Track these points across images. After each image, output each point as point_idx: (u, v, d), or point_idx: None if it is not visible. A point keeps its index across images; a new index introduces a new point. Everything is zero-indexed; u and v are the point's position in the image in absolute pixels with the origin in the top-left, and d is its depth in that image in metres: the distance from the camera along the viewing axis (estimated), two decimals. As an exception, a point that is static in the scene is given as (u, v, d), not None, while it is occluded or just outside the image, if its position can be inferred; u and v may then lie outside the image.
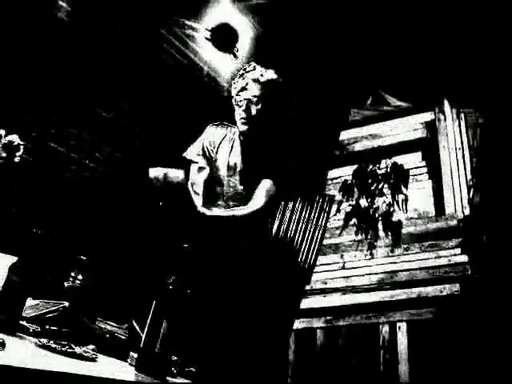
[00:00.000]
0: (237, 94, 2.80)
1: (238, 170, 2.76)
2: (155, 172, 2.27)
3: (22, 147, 4.24)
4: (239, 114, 2.76)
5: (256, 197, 2.61)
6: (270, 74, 2.78)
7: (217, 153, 2.88)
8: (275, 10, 6.05)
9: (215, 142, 2.93)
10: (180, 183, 2.25)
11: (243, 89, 2.76)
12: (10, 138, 4.20)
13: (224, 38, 6.22)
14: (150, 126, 6.01)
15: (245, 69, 2.82)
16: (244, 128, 2.74)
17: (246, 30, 6.35)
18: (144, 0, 5.81)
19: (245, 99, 2.73)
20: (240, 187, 2.69)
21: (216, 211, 2.56)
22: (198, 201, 2.67)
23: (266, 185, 2.64)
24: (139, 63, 5.94)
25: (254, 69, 2.80)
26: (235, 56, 6.31)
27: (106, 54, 5.65)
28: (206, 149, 2.96)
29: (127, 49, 5.81)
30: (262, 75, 2.75)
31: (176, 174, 2.27)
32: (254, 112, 2.71)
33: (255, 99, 2.69)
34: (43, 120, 5.15)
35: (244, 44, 6.43)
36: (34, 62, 5.09)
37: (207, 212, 2.50)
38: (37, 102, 5.11)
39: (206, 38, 6.21)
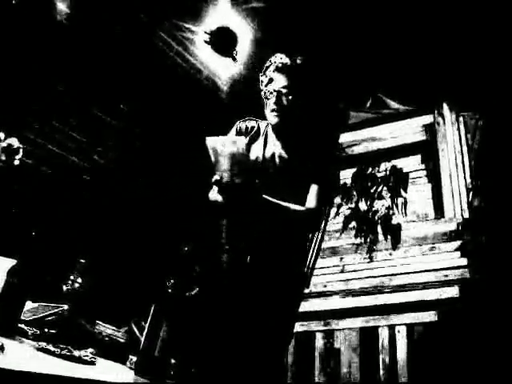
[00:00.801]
0: (265, 87, 2.70)
1: (275, 161, 2.68)
2: (212, 142, 2.17)
3: (21, 150, 4.24)
4: (269, 106, 2.65)
5: (310, 200, 2.56)
6: (296, 62, 2.68)
7: (249, 147, 2.77)
8: (274, 13, 6.05)
9: (245, 137, 2.81)
10: (238, 152, 2.14)
11: (271, 80, 2.67)
12: (9, 140, 4.19)
13: (222, 41, 6.22)
14: (149, 128, 6.01)
15: (271, 60, 2.71)
16: (275, 120, 2.64)
17: (244, 33, 6.35)
18: (143, 3, 5.80)
19: (274, 91, 2.62)
20: (279, 179, 2.61)
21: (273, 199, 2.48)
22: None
23: (317, 189, 2.58)
24: (138, 65, 5.94)
25: (281, 59, 2.67)
26: (234, 59, 6.31)
27: (104, 56, 5.65)
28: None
29: (126, 51, 5.82)
30: (287, 64, 2.65)
31: (234, 142, 2.16)
32: (284, 103, 2.62)
33: (284, 90, 2.60)
34: (42, 123, 5.15)
35: (243, 46, 6.43)
36: (34, 65, 5.09)
37: (268, 197, 2.42)
38: (36, 104, 5.11)
39: (205, 41, 6.21)
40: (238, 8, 6.08)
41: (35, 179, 4.93)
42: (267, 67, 2.71)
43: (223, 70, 6.69)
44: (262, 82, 2.74)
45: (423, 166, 6.02)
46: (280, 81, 2.62)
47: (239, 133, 2.83)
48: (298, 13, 5.89)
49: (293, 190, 2.55)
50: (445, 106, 6.11)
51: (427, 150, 6.12)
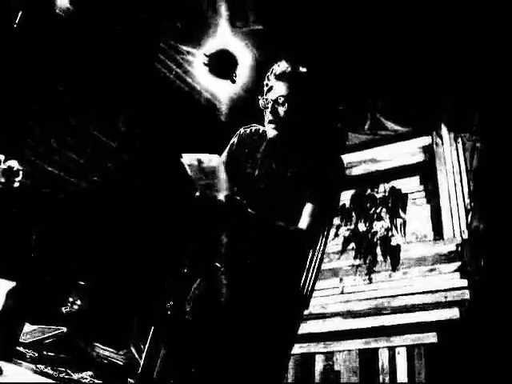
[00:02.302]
0: (264, 95, 2.52)
1: (272, 176, 2.52)
2: (189, 159, 2.13)
3: (21, 172, 4.25)
4: (267, 117, 2.49)
5: (302, 220, 2.40)
6: (298, 70, 2.51)
7: (248, 154, 2.62)
8: (272, 36, 6.09)
9: (246, 144, 2.65)
10: (215, 169, 2.10)
11: (270, 89, 2.50)
12: (9, 163, 4.20)
13: (222, 63, 6.26)
14: (147, 149, 6.03)
15: (272, 68, 2.53)
16: (273, 133, 2.48)
17: (244, 55, 6.38)
18: (143, 26, 5.84)
19: (272, 100, 2.46)
20: (274, 196, 2.48)
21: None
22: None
23: (311, 209, 2.42)
24: (137, 87, 5.97)
25: (282, 66, 2.50)
26: (233, 81, 6.35)
27: (103, 77, 5.68)
28: (235, 152, 2.70)
29: (126, 73, 5.85)
30: (288, 71, 2.48)
31: (210, 159, 2.12)
32: (281, 113, 2.45)
33: (282, 98, 2.44)
34: (41, 144, 5.16)
35: (243, 69, 6.46)
36: (32, 87, 5.12)
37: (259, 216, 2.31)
38: (35, 126, 5.12)
39: (204, 64, 6.25)
40: (237, 31, 6.12)
41: (35, 201, 4.93)
42: (268, 75, 2.56)
43: (223, 92, 6.73)
44: (262, 91, 2.58)
45: (422, 187, 6.02)
46: (279, 89, 2.47)
47: (241, 141, 2.70)
48: (295, 35, 5.93)
49: (289, 208, 2.44)
50: (443, 127, 6.13)
51: (426, 171, 6.12)
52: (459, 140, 5.98)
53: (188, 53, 6.29)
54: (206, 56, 6.28)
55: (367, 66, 6.10)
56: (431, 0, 5.39)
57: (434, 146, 6.14)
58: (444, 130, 6.11)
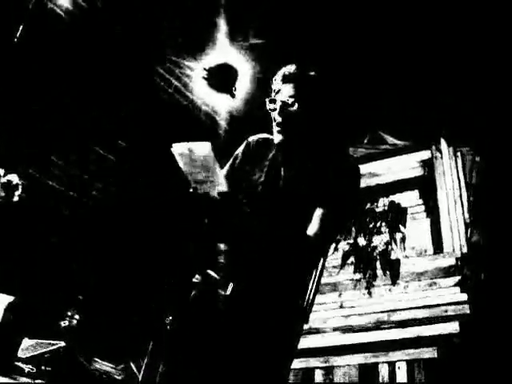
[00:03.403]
0: (271, 99, 2.42)
1: (279, 184, 2.39)
2: (180, 148, 2.00)
3: (20, 186, 4.26)
4: (274, 121, 2.39)
5: (311, 226, 2.21)
6: (306, 72, 2.43)
7: (255, 163, 2.52)
8: (272, 50, 6.12)
9: (253, 153, 2.55)
10: (207, 157, 1.96)
11: (277, 92, 2.41)
12: (9, 177, 4.21)
13: (221, 77, 6.28)
14: (146, 164, 6.03)
15: (280, 72, 2.41)
16: (280, 137, 2.37)
17: (244, 69, 6.41)
18: (142, 40, 5.87)
19: (279, 101, 2.36)
20: (282, 204, 2.32)
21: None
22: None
23: (321, 213, 2.23)
24: (136, 102, 5.98)
25: (289, 68, 2.41)
26: (233, 95, 6.37)
27: (103, 92, 5.70)
28: (239, 161, 2.60)
29: (125, 87, 5.86)
30: (295, 73, 2.39)
31: (202, 147, 1.98)
32: (288, 115, 2.36)
33: (290, 99, 2.34)
34: (42, 159, 5.17)
35: (242, 82, 6.49)
36: (32, 101, 5.13)
37: (256, 218, 2.20)
38: (36, 141, 5.13)
39: (204, 78, 6.27)
40: (236, 45, 6.15)
41: (34, 215, 4.93)
42: (275, 79, 2.46)
43: (222, 106, 6.75)
44: (269, 95, 2.46)
45: (421, 201, 6.03)
46: (287, 91, 2.37)
47: (248, 151, 2.60)
48: (295, 49, 5.95)
49: (298, 215, 2.26)
50: (442, 141, 6.14)
51: (425, 185, 6.13)
52: (458, 154, 6.00)
53: (187, 66, 6.31)
54: (206, 70, 6.31)
55: (366, 80, 6.12)
56: (432, 13, 5.41)
57: (434, 160, 6.15)
58: (443, 144, 6.13)
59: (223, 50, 6.17)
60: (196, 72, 6.37)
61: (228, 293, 2.17)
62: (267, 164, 2.47)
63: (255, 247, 2.21)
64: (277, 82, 2.41)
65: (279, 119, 2.35)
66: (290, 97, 2.34)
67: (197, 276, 2.33)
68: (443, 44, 5.59)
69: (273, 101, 2.36)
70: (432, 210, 5.89)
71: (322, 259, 2.51)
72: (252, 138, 2.65)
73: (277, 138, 2.39)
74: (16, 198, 4.27)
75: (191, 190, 2.06)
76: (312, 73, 2.41)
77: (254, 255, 2.22)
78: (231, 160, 2.60)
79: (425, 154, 6.31)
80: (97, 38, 5.57)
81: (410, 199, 6.11)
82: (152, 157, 5.98)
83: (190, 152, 2.00)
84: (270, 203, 2.31)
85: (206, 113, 6.74)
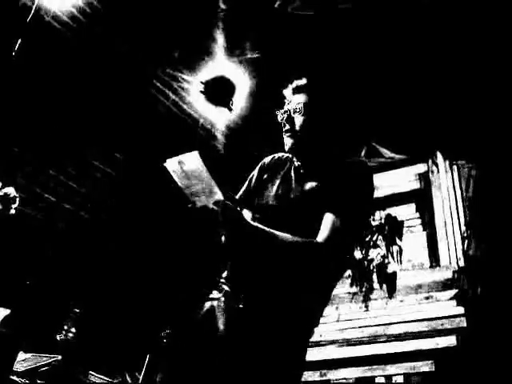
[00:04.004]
0: (281, 110, 2.43)
1: (291, 194, 2.33)
2: (171, 163, 1.96)
3: (17, 199, 4.26)
4: (284, 128, 2.39)
5: (321, 232, 2.10)
6: (314, 82, 2.44)
7: (268, 179, 2.49)
8: (269, 64, 6.14)
9: (267, 171, 2.53)
10: (197, 167, 1.91)
11: (287, 103, 2.43)
12: (6, 190, 4.22)
13: (218, 91, 6.30)
14: (144, 177, 6.04)
15: (289, 84, 2.49)
16: (290, 142, 2.36)
17: (240, 83, 6.43)
18: (139, 54, 5.89)
19: (289, 110, 2.39)
20: (294, 215, 2.23)
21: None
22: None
23: (333, 219, 2.13)
24: (134, 115, 6.00)
25: (298, 80, 2.42)
26: (230, 109, 6.39)
27: (100, 106, 5.72)
28: (254, 182, 2.56)
29: (123, 101, 5.88)
30: (305, 84, 2.41)
31: (190, 157, 1.93)
32: (297, 120, 2.36)
33: (299, 107, 2.36)
34: (39, 172, 5.18)
35: (239, 96, 6.51)
36: (30, 116, 5.15)
37: (257, 225, 2.06)
38: (33, 155, 5.14)
39: (201, 91, 6.29)
40: (233, 59, 6.17)
41: (31, 228, 4.93)
42: (285, 91, 2.47)
43: (219, 119, 6.77)
44: (281, 106, 2.46)
45: (418, 215, 6.05)
46: (296, 99, 2.40)
47: (263, 169, 2.58)
48: (292, 64, 5.98)
49: (310, 227, 2.15)
50: (438, 154, 6.16)
51: (422, 198, 6.15)
52: (455, 167, 6.01)
53: (185, 80, 6.33)
54: (203, 83, 6.33)
55: (363, 95, 6.14)
56: (428, 28, 5.45)
57: (430, 173, 6.17)
58: (440, 158, 6.15)
59: (220, 64, 6.19)
60: (193, 85, 6.39)
61: (241, 306, 2.13)
62: (279, 177, 2.46)
63: (265, 256, 2.14)
64: (287, 94, 2.42)
65: (288, 126, 2.36)
66: (299, 103, 2.36)
67: (214, 291, 2.28)
68: (439, 59, 5.63)
69: (283, 111, 2.39)
70: (428, 223, 5.90)
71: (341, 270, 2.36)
72: (265, 159, 2.64)
73: (287, 142, 2.39)
74: (13, 211, 4.27)
75: (190, 205, 2.02)
76: (320, 83, 2.43)
77: (265, 265, 2.16)
78: (246, 183, 2.59)
79: (421, 168, 6.33)
80: (94, 52, 5.60)
81: (406, 212, 6.12)
82: (149, 170, 5.99)
83: (181, 165, 1.98)
84: (282, 214, 2.26)
85: (203, 126, 6.76)
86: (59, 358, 3.46)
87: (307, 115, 2.36)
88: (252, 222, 2.09)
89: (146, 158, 6.03)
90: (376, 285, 5.63)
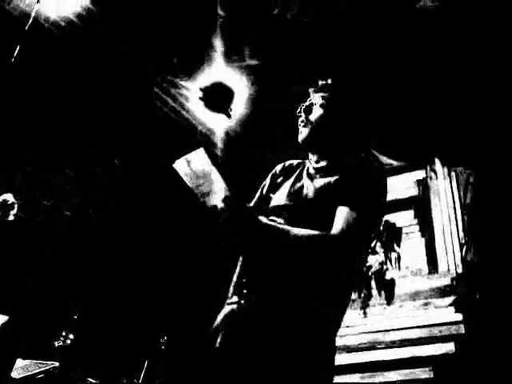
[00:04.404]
0: (301, 109, 2.40)
1: (303, 192, 2.26)
2: (179, 164, 1.93)
3: (16, 206, 4.26)
4: (299, 118, 2.37)
5: (335, 226, 2.03)
6: (334, 81, 2.43)
7: (279, 185, 2.44)
8: (269, 71, 6.16)
9: (277, 178, 2.47)
10: (204, 164, 1.87)
11: (308, 100, 2.42)
12: (4, 196, 4.22)
13: (217, 97, 6.30)
14: (143, 183, 6.05)
15: (311, 86, 2.48)
16: (303, 134, 2.34)
17: (240, 90, 6.44)
18: (138, 61, 5.90)
19: (306, 106, 2.38)
20: (307, 212, 2.17)
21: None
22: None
23: (347, 212, 2.05)
24: (132, 120, 6.01)
25: (319, 82, 2.42)
26: (229, 116, 6.39)
27: (100, 111, 5.72)
28: (266, 189, 2.51)
29: (121, 106, 5.89)
30: (323, 84, 2.41)
31: (196, 154, 1.90)
32: (314, 115, 2.34)
33: (319, 100, 2.35)
34: (37, 177, 5.18)
35: (238, 103, 6.51)
36: (29, 119, 5.15)
37: (266, 220, 2.04)
38: (31, 160, 5.15)
39: (199, 98, 6.29)
40: (233, 65, 6.18)
41: (28, 234, 4.93)
42: (309, 91, 2.45)
43: (218, 126, 6.77)
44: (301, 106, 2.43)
45: (416, 221, 6.04)
46: (318, 95, 2.39)
47: (275, 176, 2.53)
48: (290, 70, 5.99)
49: (324, 224, 2.06)
50: (437, 161, 6.17)
51: (420, 204, 6.15)
52: (453, 174, 6.02)
53: (183, 86, 6.34)
54: (202, 90, 6.34)
55: (360, 100, 6.14)
56: (425, 37, 5.47)
57: (428, 179, 6.18)
58: (438, 164, 6.15)
59: (219, 70, 6.20)
60: (192, 92, 6.39)
61: (260, 309, 2.07)
62: (292, 179, 2.40)
63: (279, 253, 2.07)
64: (311, 92, 2.42)
65: (303, 118, 2.35)
66: (319, 98, 2.36)
67: (230, 296, 2.23)
68: (437, 65, 5.64)
69: (303, 104, 2.37)
70: (427, 230, 5.90)
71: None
72: (277, 166, 2.60)
73: (300, 135, 2.37)
74: (11, 217, 4.27)
75: (201, 205, 1.98)
76: (338, 81, 2.42)
77: (280, 263, 2.08)
78: (259, 191, 2.55)
79: (419, 174, 6.33)
80: (94, 57, 5.61)
81: (404, 219, 6.12)
82: (147, 175, 6.00)
83: (189, 164, 1.96)
84: (295, 212, 2.20)
85: (202, 132, 6.77)
86: (57, 364, 3.45)
87: (325, 108, 2.34)
88: (263, 218, 2.05)
89: (145, 164, 6.04)
90: (374, 291, 5.63)
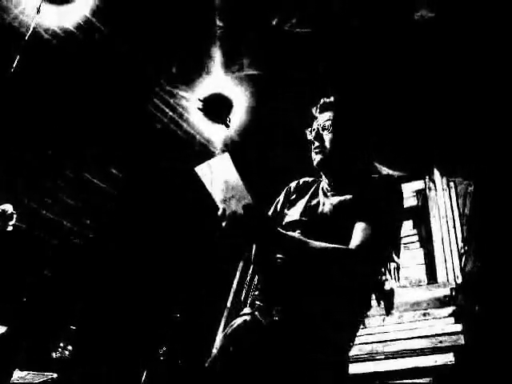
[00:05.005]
0: (310, 129, 2.42)
1: (319, 209, 2.29)
2: (201, 170, 1.91)
3: (15, 216, 4.26)
4: (312, 145, 2.38)
5: (354, 240, 2.05)
6: (340, 98, 2.45)
7: (293, 202, 2.47)
8: (267, 81, 6.17)
9: (291, 193, 2.51)
10: (227, 170, 1.85)
11: (315, 120, 2.44)
12: (3, 207, 4.22)
13: (216, 107, 6.32)
14: (141, 193, 6.04)
15: (316, 103, 2.46)
16: (318, 158, 2.34)
17: (238, 100, 6.45)
18: (138, 71, 5.91)
19: (316, 127, 2.39)
20: (318, 228, 2.19)
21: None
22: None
23: (364, 226, 2.07)
24: (132, 131, 6.01)
25: (325, 99, 2.45)
26: (227, 125, 6.41)
27: (98, 122, 5.73)
28: (280, 205, 2.53)
29: (120, 116, 5.90)
30: (331, 101, 2.43)
31: (220, 159, 1.88)
32: (326, 139, 2.35)
33: (327, 124, 2.35)
34: (35, 188, 5.18)
35: (237, 113, 6.52)
36: (27, 130, 5.15)
37: (283, 231, 2.03)
38: (29, 170, 5.14)
39: (199, 108, 6.31)
40: (231, 75, 6.20)
41: (27, 245, 4.92)
42: (314, 110, 2.49)
43: (216, 136, 6.78)
44: (310, 125, 2.47)
45: (415, 231, 6.05)
46: (324, 117, 2.40)
47: (289, 193, 2.56)
48: (289, 81, 6.01)
49: (340, 240, 2.08)
50: (436, 171, 6.18)
51: (419, 215, 6.16)
52: (452, 184, 6.03)
53: (182, 97, 6.35)
54: (201, 100, 6.35)
55: (359, 111, 6.15)
56: (422, 50, 5.49)
57: (427, 190, 6.18)
58: (437, 175, 6.16)
59: (218, 81, 6.21)
60: (191, 102, 6.41)
61: (276, 319, 2.07)
62: (307, 196, 2.44)
63: (296, 264, 2.10)
64: (315, 112, 2.43)
65: (316, 143, 2.36)
66: (326, 120, 2.37)
67: (246, 308, 2.22)
68: (436, 76, 5.65)
69: (312, 129, 2.39)
70: (426, 240, 5.90)
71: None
72: (291, 184, 2.62)
73: (315, 159, 2.38)
74: (10, 228, 4.26)
75: (220, 213, 1.97)
76: (345, 98, 2.43)
77: (297, 274, 2.11)
78: (272, 208, 2.57)
79: (418, 185, 6.34)
80: (92, 68, 5.62)
81: (403, 229, 6.09)
82: (146, 186, 5.99)
83: (211, 170, 1.95)
84: (311, 228, 2.23)
85: (201, 142, 6.77)
86: (55, 375, 3.44)
87: (334, 132, 2.35)
88: (282, 230, 2.04)
89: (144, 174, 6.04)
90: (374, 302, 5.62)
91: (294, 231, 2.21)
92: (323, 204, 2.32)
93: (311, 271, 2.08)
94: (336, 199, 2.29)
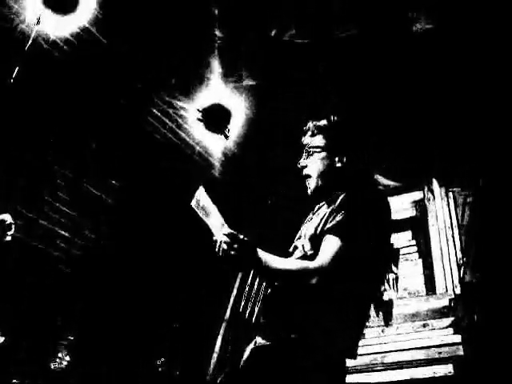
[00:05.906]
0: (301, 157, 2.42)
1: (311, 235, 2.24)
2: (194, 202, 1.98)
3: (13, 226, 4.25)
4: (304, 173, 2.37)
5: (319, 256, 2.04)
6: (331, 122, 2.42)
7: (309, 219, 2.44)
8: (266, 91, 6.18)
9: (312, 212, 2.48)
10: (205, 201, 1.93)
11: (305, 146, 2.42)
12: (2, 217, 4.21)
13: (215, 118, 6.33)
14: (139, 204, 6.04)
15: (305, 128, 2.44)
16: (312, 186, 2.35)
17: (237, 110, 6.46)
18: (136, 81, 5.92)
19: (305, 155, 2.38)
20: (308, 247, 2.20)
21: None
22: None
23: (332, 241, 2.05)
24: (130, 142, 6.01)
25: (314, 123, 2.42)
26: (226, 136, 6.41)
27: (97, 132, 5.73)
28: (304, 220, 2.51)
29: (119, 127, 5.90)
30: (322, 125, 2.40)
31: (199, 193, 1.97)
32: (315, 161, 2.34)
33: (317, 149, 2.35)
34: (34, 199, 5.17)
35: (236, 123, 6.53)
36: (25, 139, 5.15)
37: (264, 253, 2.07)
38: (28, 180, 5.14)
39: (198, 119, 6.32)
40: (230, 86, 6.21)
41: (26, 254, 4.91)
42: (302, 136, 2.46)
43: (215, 147, 6.78)
44: (300, 154, 2.46)
45: (414, 242, 6.04)
46: (311, 142, 2.39)
47: (312, 212, 2.52)
48: (288, 90, 6.02)
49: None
50: (434, 182, 6.18)
51: (418, 225, 6.16)
52: (450, 195, 6.03)
53: (181, 107, 6.36)
54: (199, 111, 6.35)
55: (358, 121, 6.16)
56: (421, 58, 5.50)
57: (426, 200, 6.18)
58: (435, 185, 6.16)
59: (217, 91, 6.22)
60: (190, 113, 6.41)
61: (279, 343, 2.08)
62: (301, 226, 2.46)
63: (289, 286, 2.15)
64: (305, 138, 2.42)
65: (306, 172, 2.38)
66: (314, 148, 2.37)
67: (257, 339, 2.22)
68: (433, 86, 5.67)
69: (302, 157, 2.40)
70: (424, 251, 5.89)
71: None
72: (316, 205, 2.56)
73: (309, 188, 2.40)
74: (9, 238, 4.26)
75: (214, 238, 2.04)
76: (336, 121, 2.42)
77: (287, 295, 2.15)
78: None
79: (417, 195, 6.34)
80: (92, 78, 5.62)
81: (402, 240, 6.12)
82: (145, 197, 5.99)
83: (198, 202, 2.06)
84: (304, 246, 2.26)
85: (200, 153, 6.77)
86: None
87: (325, 158, 2.34)
88: (261, 251, 2.07)
89: (143, 184, 6.03)
90: (372, 313, 5.60)
91: (297, 248, 2.26)
92: (310, 225, 2.32)
93: (287, 286, 2.14)
94: (317, 216, 2.31)
